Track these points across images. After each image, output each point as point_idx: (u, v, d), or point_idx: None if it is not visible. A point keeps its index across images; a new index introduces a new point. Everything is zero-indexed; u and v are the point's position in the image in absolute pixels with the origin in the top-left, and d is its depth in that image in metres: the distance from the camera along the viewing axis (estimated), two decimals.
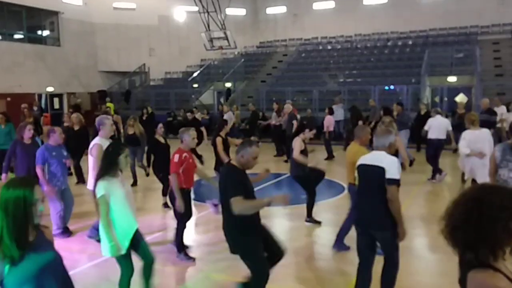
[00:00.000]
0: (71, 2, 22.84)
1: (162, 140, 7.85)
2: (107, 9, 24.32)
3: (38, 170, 5.97)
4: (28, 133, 6.78)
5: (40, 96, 21.60)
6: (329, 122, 12.83)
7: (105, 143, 5.31)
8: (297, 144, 6.59)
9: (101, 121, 5.79)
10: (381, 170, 3.71)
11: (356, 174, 4.06)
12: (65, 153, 6.30)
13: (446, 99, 17.68)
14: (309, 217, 6.81)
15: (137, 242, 3.87)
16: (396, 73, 20.23)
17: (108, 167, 3.78)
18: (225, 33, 21.28)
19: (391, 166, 3.70)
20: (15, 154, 6.68)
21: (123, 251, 3.73)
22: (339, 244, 5.56)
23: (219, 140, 7.32)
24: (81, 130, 9.54)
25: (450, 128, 9.52)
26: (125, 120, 17.11)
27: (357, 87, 19.84)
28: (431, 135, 9.34)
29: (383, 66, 21.56)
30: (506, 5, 21.45)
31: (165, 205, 7.62)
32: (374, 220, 3.81)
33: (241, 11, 27.01)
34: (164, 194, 7.64)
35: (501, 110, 11.55)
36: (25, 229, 2.21)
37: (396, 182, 3.68)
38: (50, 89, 21.79)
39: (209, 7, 21.16)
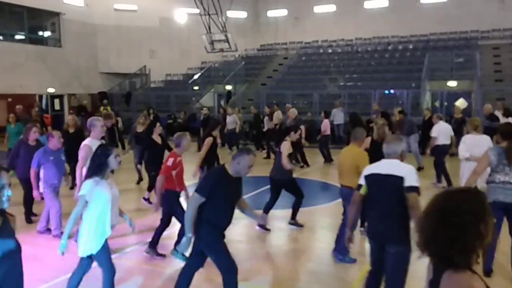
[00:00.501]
0: (73, 3, 22.88)
1: (159, 141, 7.80)
2: (108, 10, 24.36)
3: (32, 173, 6.05)
4: (33, 135, 6.83)
5: (40, 97, 21.63)
6: (325, 126, 12.85)
7: (95, 144, 5.25)
8: (285, 147, 6.47)
9: (91, 123, 5.83)
10: (398, 180, 3.58)
11: (363, 182, 3.87)
12: (63, 158, 6.35)
13: (446, 103, 17.70)
14: (294, 220, 6.79)
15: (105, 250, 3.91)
16: (396, 77, 20.27)
17: (96, 168, 3.81)
18: (226, 35, 21.33)
19: (409, 174, 3.60)
20: (18, 154, 6.74)
21: (94, 252, 3.82)
22: (340, 252, 5.39)
23: (209, 140, 7.20)
24: (77, 132, 9.24)
25: (452, 133, 9.56)
26: (124, 121, 17.24)
27: (357, 91, 19.87)
28: (439, 142, 9.32)
29: (384, 70, 21.60)
30: (507, 10, 21.53)
31: (147, 200, 7.97)
32: (389, 232, 3.65)
33: (242, 14, 27.07)
34: (149, 190, 7.92)
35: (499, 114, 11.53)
36: None
37: (416, 189, 3.58)
38: (51, 90, 21.81)
39: (210, 9, 21.21)
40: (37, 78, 20.84)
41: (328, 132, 12.89)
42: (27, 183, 6.46)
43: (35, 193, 6.12)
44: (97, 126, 5.79)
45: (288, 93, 19.71)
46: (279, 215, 7.43)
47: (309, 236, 6.63)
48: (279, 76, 23.65)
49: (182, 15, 26.12)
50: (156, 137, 7.78)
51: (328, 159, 12.70)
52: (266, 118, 15.12)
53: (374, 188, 3.79)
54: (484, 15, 21.75)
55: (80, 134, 9.54)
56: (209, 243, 3.90)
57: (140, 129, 9.32)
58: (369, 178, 3.82)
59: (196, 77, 23.98)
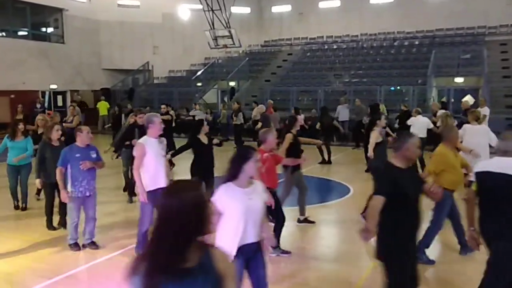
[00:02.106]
0: None
1: (206, 141, 6.83)
2: (111, 6, 24.23)
3: (58, 173, 5.51)
4: (55, 133, 6.34)
5: (43, 93, 21.57)
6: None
7: (152, 143, 5.14)
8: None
9: (149, 119, 5.28)
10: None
11: (474, 179, 3.73)
12: (93, 155, 5.68)
13: (452, 100, 17.47)
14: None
15: None
16: (402, 74, 20.04)
17: (233, 174, 3.29)
18: (229, 31, 21.15)
19: None
20: (44, 158, 6.22)
21: None
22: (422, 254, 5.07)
23: (289, 136, 6.59)
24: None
25: (431, 126, 10.19)
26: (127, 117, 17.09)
27: (362, 87, 19.65)
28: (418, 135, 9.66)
29: (389, 66, 21.37)
30: None
31: None
32: (499, 231, 3.53)
33: (246, 10, 26.86)
34: None
35: (484, 111, 12.06)
36: None
37: None
38: (53, 86, 21.74)
39: (213, 5, 21.03)
40: (39, 74, 20.75)
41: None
42: (53, 187, 6.15)
43: (63, 196, 5.53)
44: (156, 123, 5.22)
45: (292, 90, 19.53)
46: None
47: (315, 233, 6.50)
48: (283, 72, 23.45)
49: (185, 11, 25.95)
50: (202, 137, 6.82)
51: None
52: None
53: (486, 186, 3.62)
54: (491, 10, 21.42)
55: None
56: None
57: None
58: (482, 176, 3.64)
59: (199, 73, 23.83)
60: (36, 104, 19.52)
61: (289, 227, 6.88)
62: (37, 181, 6.37)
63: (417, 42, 23.22)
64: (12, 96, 19.19)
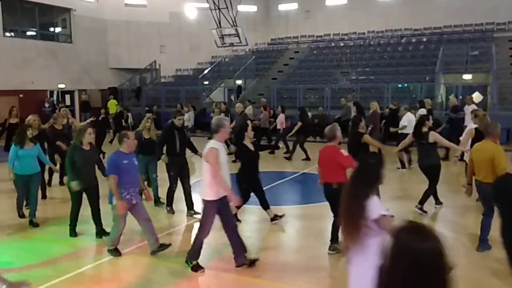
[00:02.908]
0: None
1: (252, 147, 6.56)
2: (118, 6, 24.33)
3: (111, 181, 5.19)
4: (88, 137, 5.98)
5: (51, 92, 21.74)
6: (281, 120, 13.21)
7: (222, 148, 4.90)
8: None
9: (221, 123, 4.97)
10: None
11: None
12: (135, 162, 5.49)
13: (460, 97, 17.33)
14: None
15: None
16: (409, 71, 19.92)
17: (374, 184, 3.10)
18: (236, 30, 21.14)
19: None
20: (75, 162, 5.90)
21: None
22: (484, 245, 5.43)
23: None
24: (63, 129, 8.88)
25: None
26: (135, 116, 17.18)
27: (370, 85, 19.56)
28: (408, 130, 10.06)
29: (397, 64, 21.25)
30: None
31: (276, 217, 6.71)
32: None
33: (252, 8, 26.84)
34: (266, 208, 6.64)
35: (471, 108, 12.16)
36: None
37: None
38: (61, 86, 21.90)
39: (220, 3, 21.03)
40: (48, 74, 20.92)
41: (284, 126, 13.11)
42: (78, 194, 5.96)
43: (121, 206, 5.17)
44: (226, 127, 4.99)
45: (299, 88, 19.49)
46: (290, 212, 7.28)
47: (318, 232, 6.48)
48: (290, 70, 23.41)
49: (192, 10, 25.98)
50: (248, 144, 6.52)
51: (273, 149, 12.26)
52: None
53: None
54: (499, 6, 21.21)
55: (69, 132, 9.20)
56: None
57: (146, 135, 7.73)
58: None
59: (206, 71, 23.87)
60: (45, 103, 19.70)
61: (294, 225, 6.90)
62: (74, 183, 5.87)
63: (424, 39, 23.05)
64: (21, 95, 19.35)
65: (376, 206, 2.92)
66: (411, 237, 1.61)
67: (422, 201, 6.98)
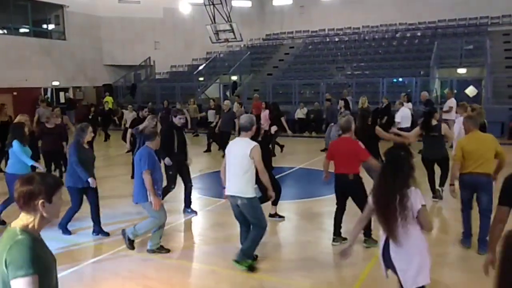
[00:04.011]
0: None
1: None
2: (112, 2, 24.17)
3: (147, 176, 5.09)
4: (89, 136, 5.92)
5: (46, 90, 21.59)
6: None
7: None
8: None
9: (253, 121, 4.92)
10: None
11: None
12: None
13: (455, 91, 17.41)
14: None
15: None
16: (404, 65, 19.97)
17: (411, 175, 3.17)
18: (231, 25, 21.08)
19: None
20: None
21: None
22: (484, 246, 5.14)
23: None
24: (56, 128, 8.77)
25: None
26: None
27: (365, 80, 19.60)
28: (403, 125, 10.52)
29: (392, 58, 21.29)
30: None
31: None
32: None
33: (247, 3, 26.70)
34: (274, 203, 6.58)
35: (450, 103, 12.66)
36: None
37: None
38: (56, 83, 21.75)
39: None
40: (42, 71, 20.77)
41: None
42: (82, 192, 5.92)
43: (157, 202, 5.11)
44: (254, 125, 4.94)
45: (294, 83, 19.49)
46: (287, 207, 7.30)
47: (318, 226, 6.51)
48: (285, 65, 23.39)
49: (186, 6, 25.83)
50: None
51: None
52: (210, 111, 14.48)
53: None
54: (494, 0, 21.27)
55: (62, 131, 9.02)
56: None
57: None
58: None
59: (201, 68, 23.79)
60: (39, 101, 19.52)
61: (292, 220, 6.92)
62: (91, 180, 5.78)
63: (419, 34, 23.10)
64: (15, 93, 19.22)
65: (418, 197, 3.10)
66: None
67: (442, 183, 7.36)
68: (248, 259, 4.85)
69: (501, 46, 19.67)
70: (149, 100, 20.31)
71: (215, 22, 21.39)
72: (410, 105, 12.88)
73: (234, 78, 22.85)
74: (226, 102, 13.03)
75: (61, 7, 22.23)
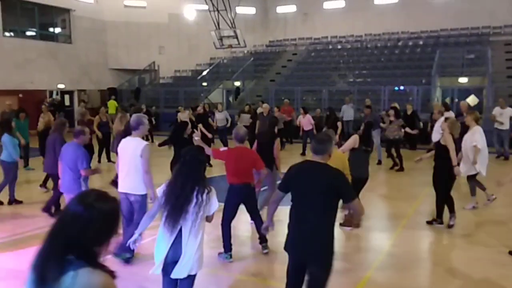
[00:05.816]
0: (83, 0, 23.02)
1: None
2: (118, 7, 24.46)
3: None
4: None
5: (51, 93, 21.82)
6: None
7: None
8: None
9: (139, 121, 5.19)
10: None
11: None
12: None
13: (456, 100, 17.55)
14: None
15: None
16: (406, 74, 20.11)
17: None
18: (234, 31, 21.30)
19: None
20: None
21: None
22: None
23: None
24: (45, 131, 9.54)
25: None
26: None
27: (367, 87, 19.75)
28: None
29: (393, 66, 21.44)
30: None
31: None
32: None
33: (251, 10, 27.01)
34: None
35: (448, 115, 11.82)
36: None
37: None
38: (61, 86, 21.98)
39: (219, 5, 21.18)
40: (47, 74, 21.01)
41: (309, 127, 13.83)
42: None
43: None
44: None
45: (297, 89, 19.66)
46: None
47: None
48: (288, 72, 23.57)
49: (191, 11, 26.14)
50: None
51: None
52: (243, 115, 14.78)
53: None
54: (496, 10, 21.43)
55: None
56: None
57: (184, 118, 7.22)
58: None
59: (204, 73, 24.02)
60: (44, 102, 19.73)
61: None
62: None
63: (421, 42, 23.28)
64: (21, 95, 19.44)
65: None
66: None
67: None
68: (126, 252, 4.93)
69: (502, 56, 19.81)
70: (153, 104, 20.56)
71: (219, 28, 21.62)
72: (452, 114, 11.57)
73: (237, 83, 23.05)
74: (265, 105, 13.10)
75: (67, 11, 22.52)
